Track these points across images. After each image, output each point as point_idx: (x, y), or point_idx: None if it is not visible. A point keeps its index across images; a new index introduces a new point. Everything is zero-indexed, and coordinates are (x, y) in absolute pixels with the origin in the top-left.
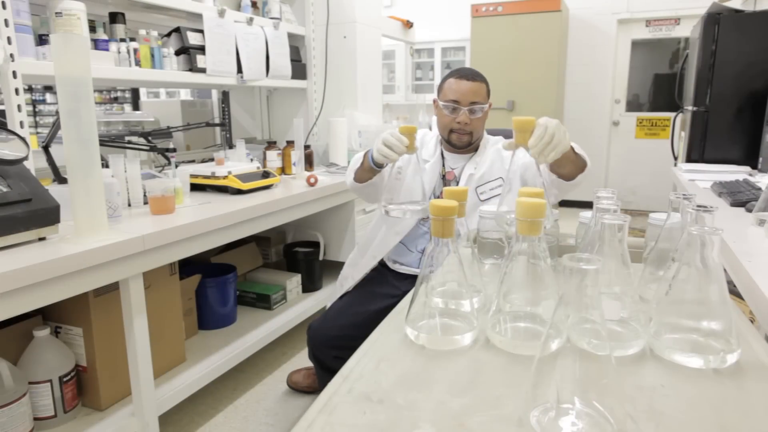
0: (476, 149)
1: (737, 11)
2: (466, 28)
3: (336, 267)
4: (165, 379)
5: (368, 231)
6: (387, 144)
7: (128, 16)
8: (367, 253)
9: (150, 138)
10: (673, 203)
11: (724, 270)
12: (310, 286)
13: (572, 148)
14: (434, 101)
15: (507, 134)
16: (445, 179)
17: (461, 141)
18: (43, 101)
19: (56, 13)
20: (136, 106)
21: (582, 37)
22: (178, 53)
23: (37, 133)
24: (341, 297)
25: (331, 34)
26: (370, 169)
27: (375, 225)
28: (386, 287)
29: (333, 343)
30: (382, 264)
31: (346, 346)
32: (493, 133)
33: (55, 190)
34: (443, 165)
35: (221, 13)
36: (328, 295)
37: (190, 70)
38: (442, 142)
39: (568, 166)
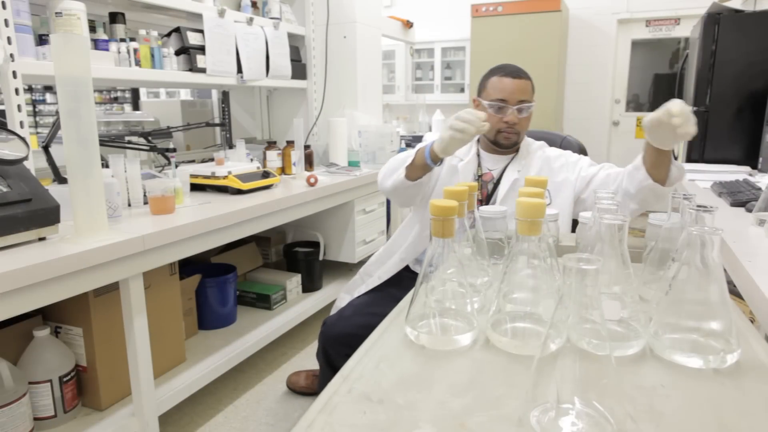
0: (517, 150)
1: (737, 11)
2: (466, 28)
3: (336, 267)
4: (165, 379)
5: (397, 232)
6: (464, 120)
7: (128, 16)
8: (395, 255)
9: (150, 138)
10: (673, 203)
11: (724, 270)
12: (310, 286)
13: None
14: (474, 100)
15: (546, 138)
16: (481, 180)
17: (509, 140)
18: (43, 101)
19: (56, 13)
20: (136, 106)
21: (582, 37)
22: (178, 53)
23: (37, 133)
24: (359, 296)
25: (331, 34)
26: (423, 166)
27: (406, 225)
28: (405, 290)
29: (346, 341)
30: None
31: (358, 345)
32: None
33: (55, 190)
34: (479, 165)
35: (221, 13)
36: (330, 294)
37: (190, 70)
38: (480, 140)
39: (665, 169)
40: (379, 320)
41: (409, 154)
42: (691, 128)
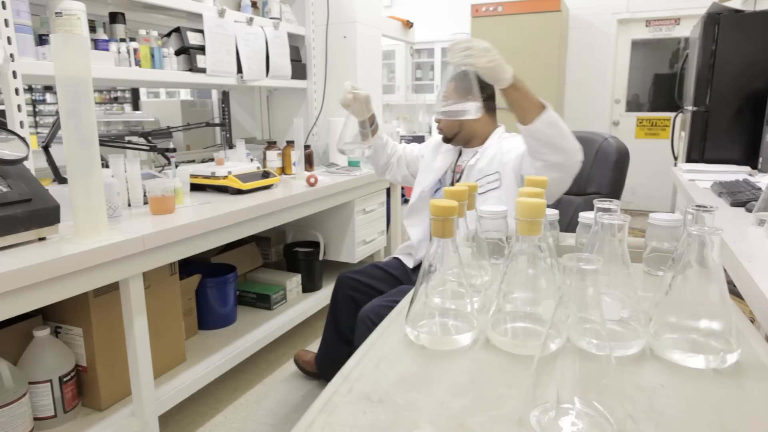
0: (482, 143)
1: (737, 11)
2: (466, 28)
3: (336, 267)
4: (165, 379)
5: None
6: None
7: (128, 16)
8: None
9: (150, 138)
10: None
11: (724, 270)
12: (310, 286)
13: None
14: None
15: (587, 138)
16: (454, 172)
17: (443, 135)
18: (43, 101)
19: (56, 13)
20: (136, 106)
21: (582, 37)
22: (178, 53)
23: (37, 133)
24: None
25: (331, 34)
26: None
27: None
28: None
29: (356, 286)
30: None
31: (366, 293)
32: None
33: (55, 190)
34: (458, 158)
35: (221, 13)
36: (330, 294)
37: (190, 70)
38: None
39: (519, 108)
40: (389, 278)
41: None
42: (474, 61)
